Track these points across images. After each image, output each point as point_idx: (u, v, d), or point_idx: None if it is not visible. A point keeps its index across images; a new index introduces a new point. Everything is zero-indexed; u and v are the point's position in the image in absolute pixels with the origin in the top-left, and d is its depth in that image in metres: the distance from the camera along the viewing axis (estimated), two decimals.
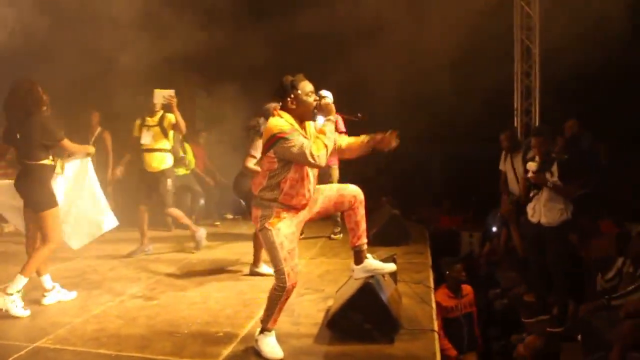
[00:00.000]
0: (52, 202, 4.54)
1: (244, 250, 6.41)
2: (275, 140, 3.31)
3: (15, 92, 4.48)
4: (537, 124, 8.38)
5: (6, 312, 4.26)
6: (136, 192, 6.60)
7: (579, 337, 5.08)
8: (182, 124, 6.25)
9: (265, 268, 5.41)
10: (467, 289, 5.89)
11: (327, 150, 3.34)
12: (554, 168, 5.46)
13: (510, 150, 6.77)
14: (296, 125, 3.41)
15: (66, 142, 4.68)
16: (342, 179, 3.74)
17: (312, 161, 3.28)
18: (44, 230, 4.51)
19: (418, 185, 13.63)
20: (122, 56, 6.76)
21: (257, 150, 5.39)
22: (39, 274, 4.64)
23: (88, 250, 6.23)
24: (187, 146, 8.46)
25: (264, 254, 5.12)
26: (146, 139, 6.33)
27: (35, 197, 4.51)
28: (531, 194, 5.69)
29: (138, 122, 6.45)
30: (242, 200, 6.32)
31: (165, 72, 8.03)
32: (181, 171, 8.26)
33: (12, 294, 4.30)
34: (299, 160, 3.33)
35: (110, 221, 5.18)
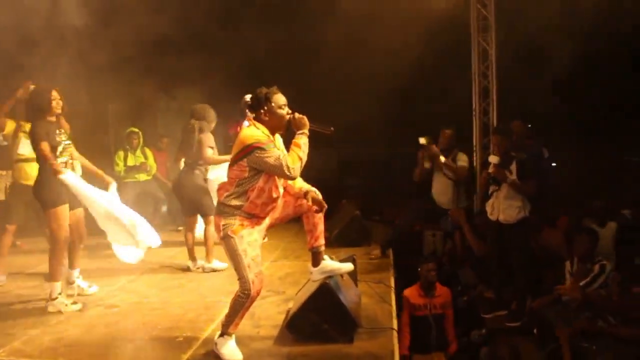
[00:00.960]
0: (56, 201, 4.60)
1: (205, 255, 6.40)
2: (250, 150, 3.34)
3: (31, 94, 4.70)
4: (494, 123, 8.54)
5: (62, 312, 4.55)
6: (5, 211, 5.92)
7: (535, 330, 5.23)
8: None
9: (217, 263, 5.62)
10: (442, 290, 5.84)
11: (301, 163, 3.41)
12: (513, 166, 5.57)
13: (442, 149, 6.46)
14: (271, 137, 3.46)
15: (44, 146, 4.59)
16: (306, 180, 3.82)
17: (288, 173, 3.34)
18: (50, 229, 4.63)
19: (383, 185, 13.76)
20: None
21: (210, 141, 5.70)
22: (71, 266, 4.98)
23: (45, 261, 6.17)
24: (148, 151, 8.38)
25: (215, 249, 5.49)
26: (24, 147, 5.68)
27: (41, 195, 4.62)
28: (490, 190, 5.79)
29: (11, 127, 6.00)
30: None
31: (124, 75, 7.97)
32: (142, 177, 8.19)
33: (57, 298, 4.60)
34: (273, 172, 3.38)
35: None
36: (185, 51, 8.09)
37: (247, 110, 6.79)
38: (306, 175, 3.82)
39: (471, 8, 8.76)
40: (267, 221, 3.62)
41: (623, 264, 5.73)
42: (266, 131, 3.46)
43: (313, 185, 3.81)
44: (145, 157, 8.22)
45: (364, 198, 11.23)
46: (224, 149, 6.45)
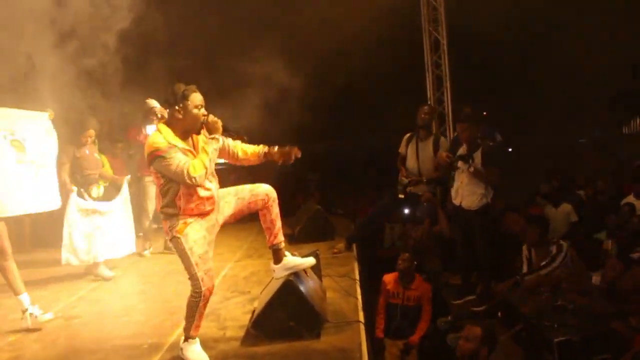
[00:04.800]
0: None
1: (168, 260, 6.32)
2: (152, 158, 3.27)
3: None
4: (450, 112, 8.68)
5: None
6: None
7: (499, 313, 5.32)
8: None
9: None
10: (421, 284, 5.84)
11: (206, 171, 3.31)
12: (478, 154, 5.61)
13: (426, 126, 6.43)
14: (176, 140, 3.32)
15: None
16: (268, 177, 3.84)
17: (189, 181, 3.25)
18: None
19: (344, 178, 13.83)
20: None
21: (63, 155, 5.57)
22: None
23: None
24: (103, 158, 8.16)
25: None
26: None
27: None
28: (454, 167, 5.81)
29: None
30: None
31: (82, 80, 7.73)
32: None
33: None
34: (177, 179, 3.29)
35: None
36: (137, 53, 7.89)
37: (152, 116, 6.76)
38: (267, 171, 3.79)
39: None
40: (219, 217, 3.56)
41: (581, 241, 5.89)
42: (170, 135, 3.32)
43: (275, 182, 3.80)
44: (102, 164, 8.00)
45: (326, 192, 11.26)
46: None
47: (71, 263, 5.62)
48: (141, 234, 6.90)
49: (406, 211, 7.61)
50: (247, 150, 3.76)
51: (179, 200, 3.35)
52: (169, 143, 3.28)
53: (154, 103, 6.72)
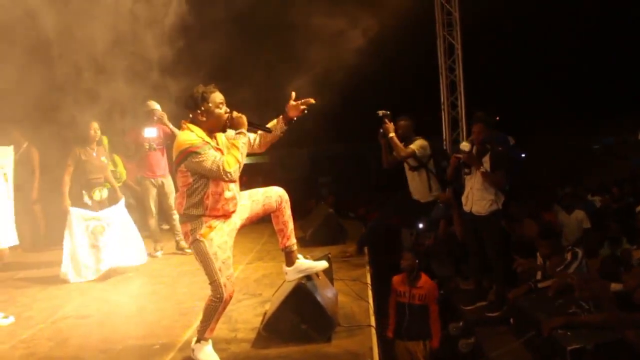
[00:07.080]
0: None
1: (180, 261, 6.34)
2: (185, 155, 3.25)
3: None
4: (463, 117, 8.65)
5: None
6: None
7: (512, 320, 5.28)
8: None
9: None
10: (426, 283, 5.89)
11: (239, 165, 3.32)
12: (486, 158, 5.58)
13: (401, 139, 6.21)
14: (207, 139, 3.34)
15: None
16: (279, 181, 3.80)
17: (225, 177, 3.25)
18: None
19: (356, 182, 13.83)
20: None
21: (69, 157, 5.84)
22: None
23: (16, 272, 6.05)
24: (117, 158, 8.20)
25: None
26: None
27: None
28: (464, 172, 5.78)
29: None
30: None
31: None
32: None
33: None
34: (211, 175, 3.28)
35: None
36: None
37: (154, 116, 6.67)
38: (279, 175, 3.79)
39: (435, 3, 8.84)
40: (236, 220, 3.54)
41: (593, 249, 5.84)
42: (201, 133, 3.33)
43: (286, 186, 3.79)
44: (115, 165, 8.04)
45: (337, 195, 11.25)
46: None
47: (69, 280, 5.67)
48: (147, 233, 6.92)
49: (417, 221, 7.61)
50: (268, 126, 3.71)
51: (207, 200, 3.34)
52: (203, 140, 3.30)
53: (155, 105, 6.64)
